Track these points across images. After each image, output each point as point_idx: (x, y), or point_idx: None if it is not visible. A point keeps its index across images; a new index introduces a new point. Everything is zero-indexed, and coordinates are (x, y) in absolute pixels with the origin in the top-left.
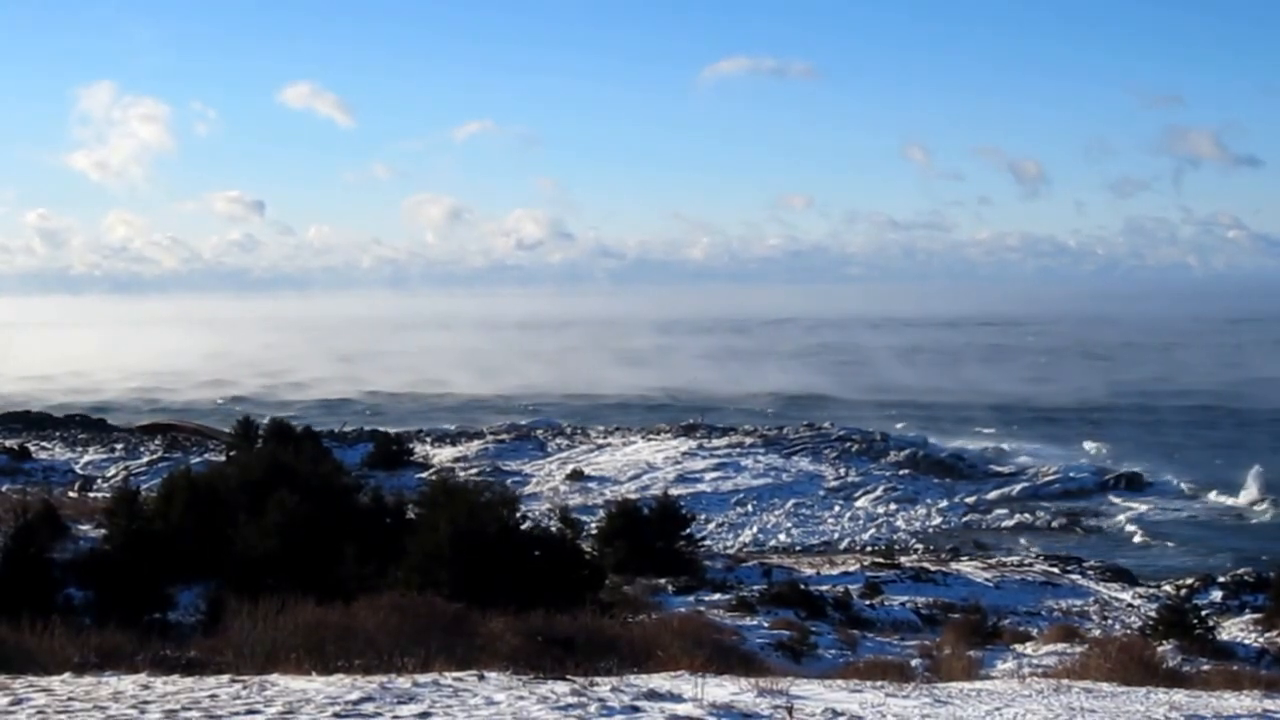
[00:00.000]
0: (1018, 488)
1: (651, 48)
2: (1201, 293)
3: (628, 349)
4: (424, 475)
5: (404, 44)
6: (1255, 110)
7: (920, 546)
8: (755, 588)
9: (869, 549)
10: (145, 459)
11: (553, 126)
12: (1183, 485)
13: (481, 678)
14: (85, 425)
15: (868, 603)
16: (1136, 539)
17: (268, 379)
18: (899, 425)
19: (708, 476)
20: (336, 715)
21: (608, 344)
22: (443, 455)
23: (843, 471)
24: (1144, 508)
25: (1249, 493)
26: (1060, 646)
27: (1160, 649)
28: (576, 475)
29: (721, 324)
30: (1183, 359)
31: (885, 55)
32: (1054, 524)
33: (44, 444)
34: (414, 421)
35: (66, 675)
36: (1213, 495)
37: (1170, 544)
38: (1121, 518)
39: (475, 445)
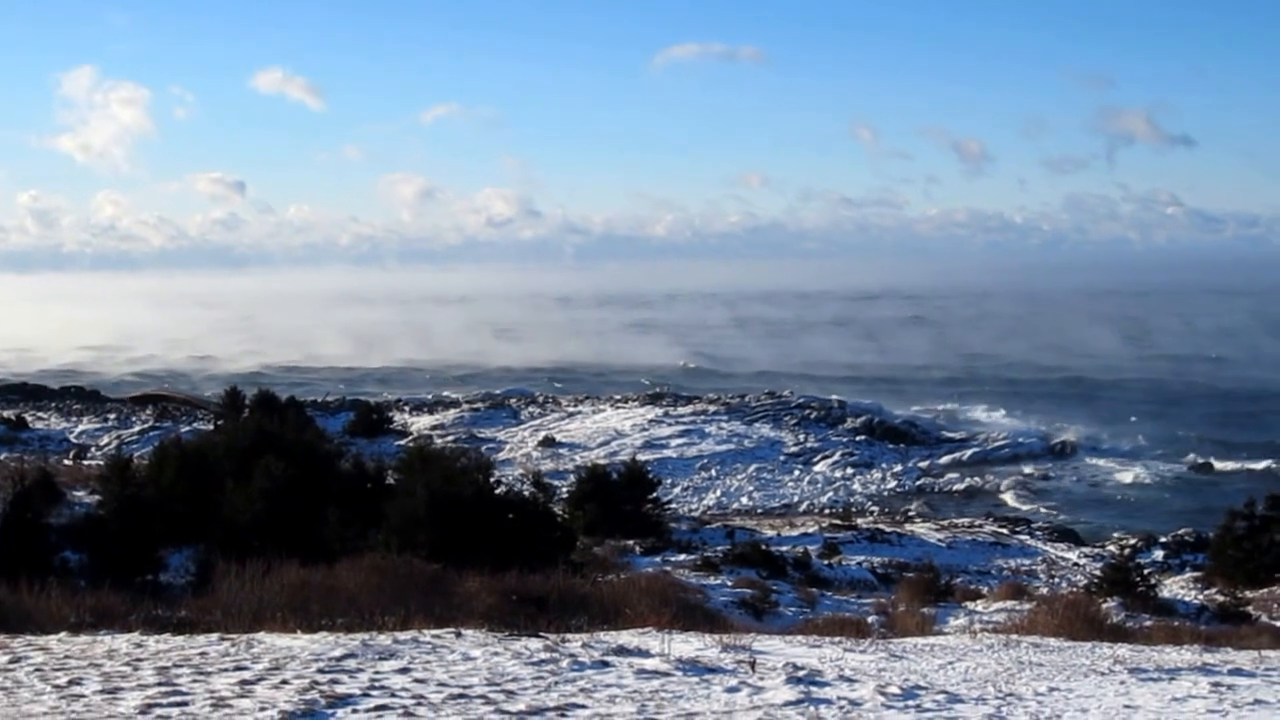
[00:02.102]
0: (968, 453)
1: (606, 33)
2: (1136, 266)
3: (532, 323)
4: (403, 442)
5: (369, 29)
6: (1185, 91)
7: (876, 509)
8: (719, 548)
9: (827, 511)
10: (137, 428)
11: (516, 109)
12: (1118, 450)
13: (459, 635)
14: (80, 396)
15: (826, 562)
16: (1080, 501)
17: (189, 352)
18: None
19: (673, 443)
20: (321, 671)
21: (517, 318)
22: (420, 423)
23: (802, 438)
24: (1086, 471)
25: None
26: (1010, 604)
27: (1105, 606)
28: (548, 442)
29: (648, 299)
30: (1061, 330)
31: (829, 40)
32: (1003, 486)
33: (40, 414)
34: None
35: (63, 634)
36: (1146, 459)
37: (1111, 505)
38: (1063, 480)
39: (451, 413)
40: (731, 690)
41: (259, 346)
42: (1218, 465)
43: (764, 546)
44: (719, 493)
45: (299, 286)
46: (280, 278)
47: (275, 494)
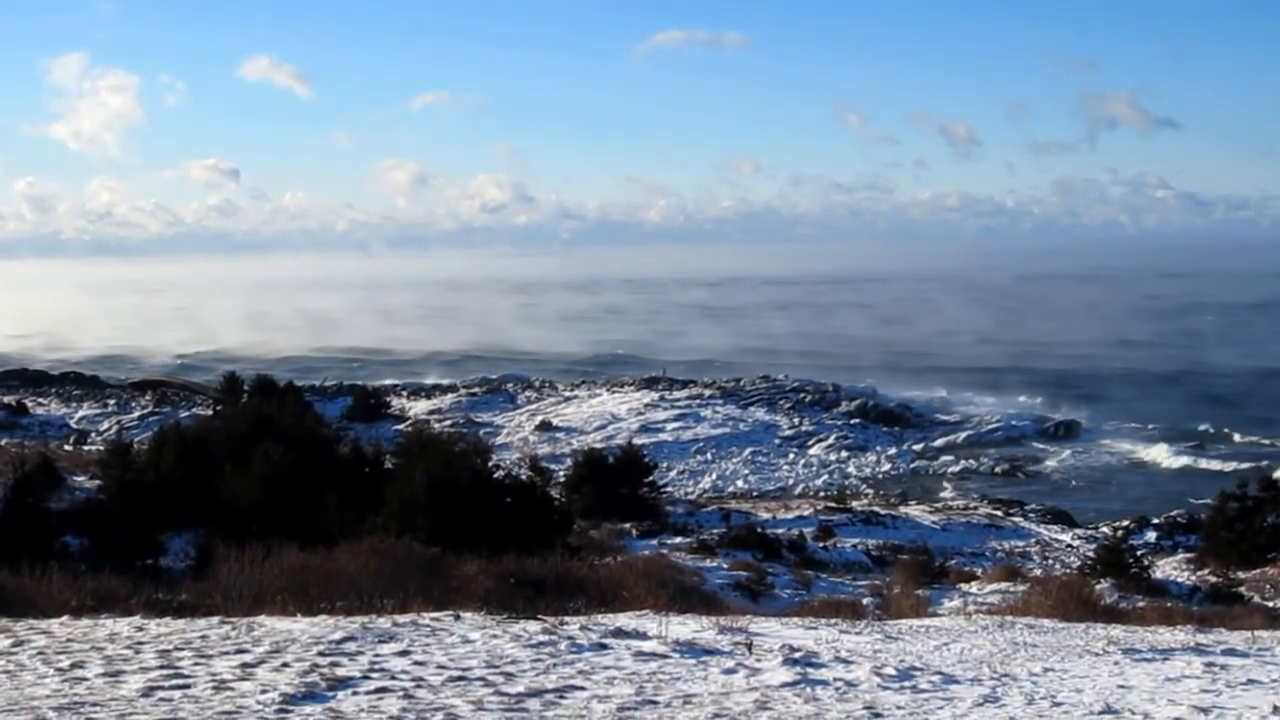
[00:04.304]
0: (962, 435)
1: (589, 22)
2: (1125, 250)
3: (466, 309)
4: (400, 427)
5: (354, 16)
6: (1166, 75)
7: (870, 491)
8: (715, 531)
9: (822, 494)
10: (137, 413)
11: (504, 97)
12: (1112, 431)
13: (457, 618)
14: (79, 382)
15: (821, 545)
16: (1074, 483)
17: (123, 341)
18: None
19: (669, 426)
20: (321, 654)
21: (453, 305)
22: (418, 408)
23: (797, 421)
24: (1080, 453)
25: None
26: (1004, 585)
27: (1098, 587)
28: (545, 426)
29: (600, 284)
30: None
31: (812, 25)
32: (997, 469)
33: (40, 400)
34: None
35: (65, 618)
36: (1140, 441)
37: (1105, 486)
38: (1056, 463)
39: (449, 398)
40: (729, 672)
41: (181, 335)
42: (1208, 448)
43: (759, 529)
44: (715, 476)
45: (279, 273)
46: (271, 265)
47: (274, 478)
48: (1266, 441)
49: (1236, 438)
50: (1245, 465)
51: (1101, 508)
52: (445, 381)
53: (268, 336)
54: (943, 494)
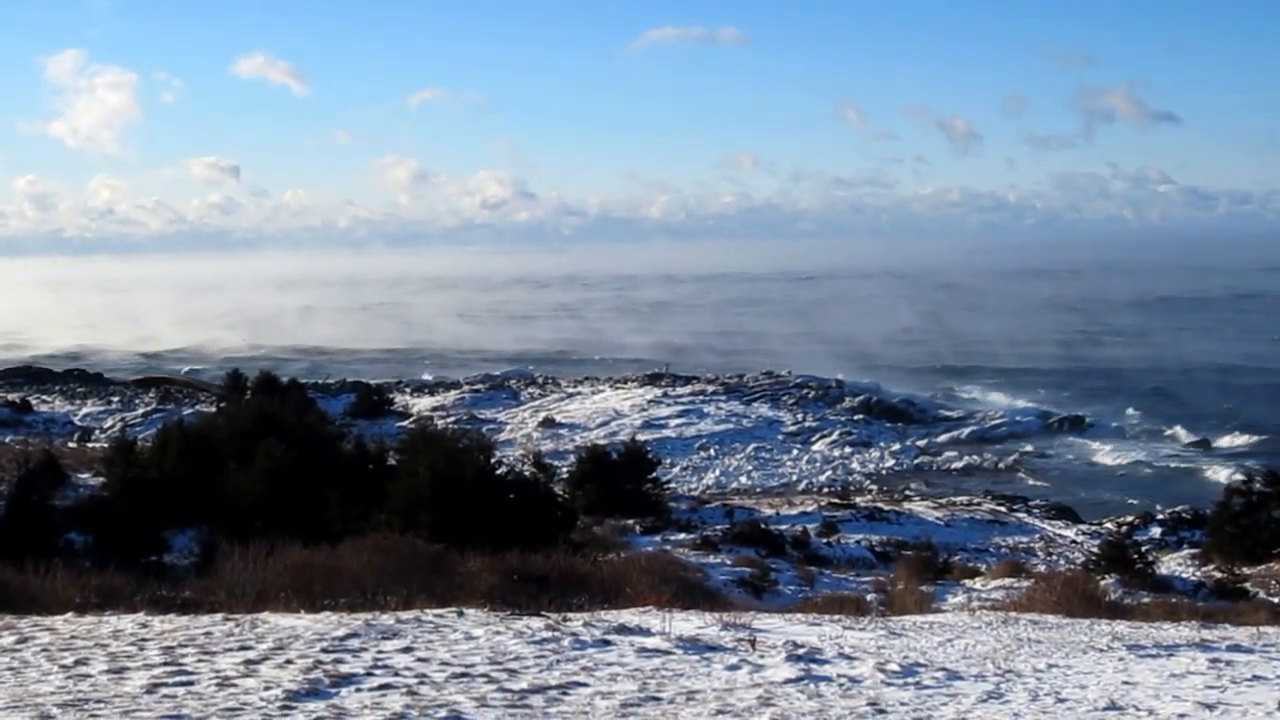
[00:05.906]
0: (966, 431)
1: (582, 18)
2: (1124, 244)
3: (429, 305)
4: (404, 424)
5: (349, 12)
6: (1164, 69)
7: (874, 487)
8: (718, 527)
9: (825, 490)
10: (140, 411)
11: (501, 94)
12: (1115, 428)
13: (461, 614)
14: (83, 379)
15: (825, 541)
16: (1078, 478)
17: (83, 341)
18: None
19: (672, 423)
20: (324, 651)
21: (429, 300)
22: (421, 405)
23: (800, 417)
24: (1084, 449)
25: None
26: (1008, 581)
27: (1103, 583)
28: (548, 422)
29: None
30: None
31: (806, 20)
32: (1001, 465)
33: (44, 397)
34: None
35: (69, 615)
36: (1143, 439)
37: (1109, 482)
38: (1060, 459)
39: (452, 395)
40: (732, 668)
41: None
42: (1214, 443)
43: (763, 525)
44: (718, 472)
45: (271, 270)
46: (267, 262)
47: (277, 475)
48: (1261, 438)
49: (1237, 434)
50: (1233, 462)
51: (1105, 503)
52: (396, 379)
53: (215, 335)
54: (945, 489)
